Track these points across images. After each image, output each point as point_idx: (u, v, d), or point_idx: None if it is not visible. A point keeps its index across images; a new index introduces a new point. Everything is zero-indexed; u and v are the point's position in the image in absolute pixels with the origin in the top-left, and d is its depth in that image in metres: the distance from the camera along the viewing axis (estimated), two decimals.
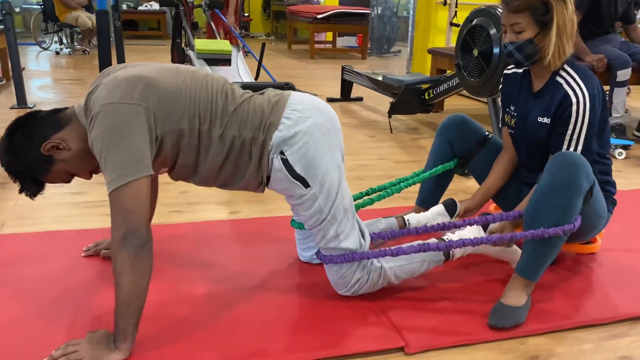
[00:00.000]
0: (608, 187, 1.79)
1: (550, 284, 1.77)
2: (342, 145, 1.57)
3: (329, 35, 9.28)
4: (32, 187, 1.48)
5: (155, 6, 9.78)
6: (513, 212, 1.68)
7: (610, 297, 1.71)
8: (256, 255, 1.91)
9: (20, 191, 1.48)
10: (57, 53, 7.36)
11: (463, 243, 1.59)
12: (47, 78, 5.48)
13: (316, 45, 8.05)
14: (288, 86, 2.90)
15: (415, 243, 1.61)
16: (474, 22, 2.89)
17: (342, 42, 9.32)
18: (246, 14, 10.36)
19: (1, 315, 1.51)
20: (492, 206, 2.26)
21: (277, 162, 1.47)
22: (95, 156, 1.34)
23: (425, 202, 2.06)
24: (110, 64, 3.36)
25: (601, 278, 1.84)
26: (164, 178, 2.73)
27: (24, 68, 5.22)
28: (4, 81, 5.07)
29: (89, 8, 7.62)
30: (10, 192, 2.44)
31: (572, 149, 1.66)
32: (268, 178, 1.51)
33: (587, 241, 1.91)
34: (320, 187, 1.48)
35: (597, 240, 1.96)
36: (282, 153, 1.47)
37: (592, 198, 1.60)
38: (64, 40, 7.72)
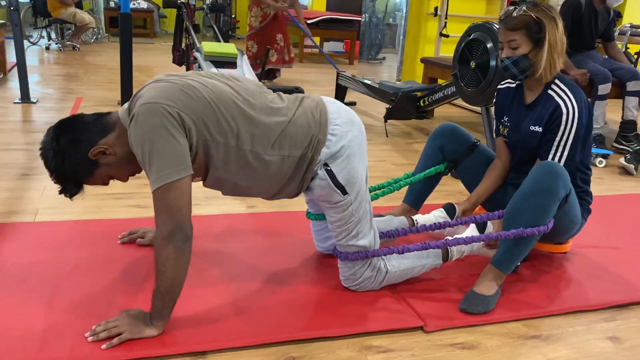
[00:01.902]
0: (586, 196, 1.99)
1: (541, 277, 1.99)
2: (366, 154, 1.71)
3: (315, 40, 9.46)
4: (73, 189, 1.53)
5: (143, 4, 9.82)
6: (497, 212, 1.86)
7: (595, 288, 1.93)
8: (278, 245, 2.08)
9: (61, 192, 1.53)
10: (47, 48, 7.38)
11: (457, 242, 1.78)
12: (41, 73, 5.52)
13: (304, 50, 8.22)
14: (297, 90, 3.06)
15: (419, 243, 1.77)
16: (471, 36, 3.11)
17: (328, 47, 9.51)
18: (233, 16, 10.48)
19: (46, 295, 1.64)
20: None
21: (322, 173, 1.59)
22: (136, 155, 1.41)
23: (414, 201, 2.24)
24: (130, 63, 3.45)
25: (585, 272, 2.05)
26: None
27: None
28: (1, 75, 5.11)
29: (77, 5, 7.68)
30: (36, 183, 2.55)
31: (558, 154, 1.85)
32: (307, 186, 1.63)
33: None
34: (356, 194, 1.63)
35: (568, 242, 2.17)
36: (326, 165, 1.59)
37: (567, 205, 1.80)
38: (52, 36, 7.75)
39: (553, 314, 1.76)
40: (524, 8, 1.81)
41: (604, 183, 3.19)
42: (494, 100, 2.10)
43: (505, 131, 2.02)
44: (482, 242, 1.92)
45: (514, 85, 2.02)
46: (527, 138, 1.93)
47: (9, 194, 2.40)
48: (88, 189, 2.45)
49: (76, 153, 1.47)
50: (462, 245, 1.89)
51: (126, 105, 1.50)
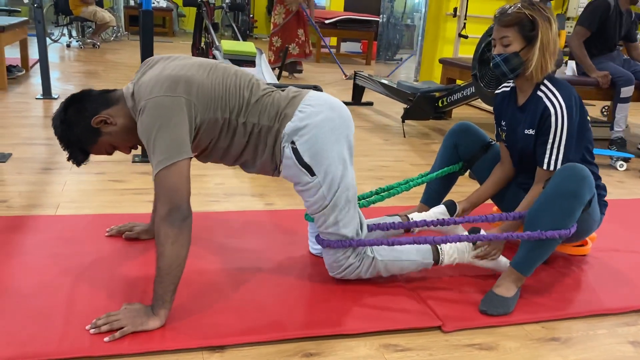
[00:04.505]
0: (599, 190, 1.95)
1: (560, 280, 1.97)
2: (350, 142, 1.71)
3: (333, 40, 9.46)
4: (79, 156, 1.65)
5: (163, 3, 9.91)
6: (513, 213, 1.85)
7: (616, 292, 1.90)
8: (296, 242, 2.08)
9: (69, 159, 1.65)
10: (68, 46, 7.48)
11: (446, 239, 1.72)
12: (62, 70, 5.60)
13: (321, 50, 8.22)
14: (316, 88, 3.06)
15: (408, 237, 1.76)
16: (492, 36, 3.08)
17: (345, 47, 9.51)
18: (251, 15, 10.53)
19: (66, 286, 1.66)
20: (494, 208, 2.44)
21: (288, 151, 1.64)
22: (144, 143, 1.52)
23: (430, 201, 2.22)
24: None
25: (605, 275, 2.03)
26: (201, 170, 2.90)
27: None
28: (24, 71, 5.19)
29: (98, 3, 7.78)
30: (57, 177, 2.58)
31: (554, 156, 1.83)
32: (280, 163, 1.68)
33: (579, 244, 2.10)
34: (325, 176, 1.64)
35: (587, 244, 2.14)
36: (292, 142, 1.63)
37: (590, 207, 1.78)
38: (73, 33, 7.85)
39: (573, 316, 1.74)
40: (519, 5, 1.80)
41: (625, 187, 3.15)
42: (493, 106, 2.09)
43: (504, 135, 2.02)
44: (473, 253, 1.87)
45: (509, 88, 2.01)
46: (524, 142, 1.92)
47: (31, 187, 2.44)
48: (107, 184, 2.51)
49: (80, 121, 1.60)
50: (454, 252, 1.84)
51: (130, 84, 1.62)
